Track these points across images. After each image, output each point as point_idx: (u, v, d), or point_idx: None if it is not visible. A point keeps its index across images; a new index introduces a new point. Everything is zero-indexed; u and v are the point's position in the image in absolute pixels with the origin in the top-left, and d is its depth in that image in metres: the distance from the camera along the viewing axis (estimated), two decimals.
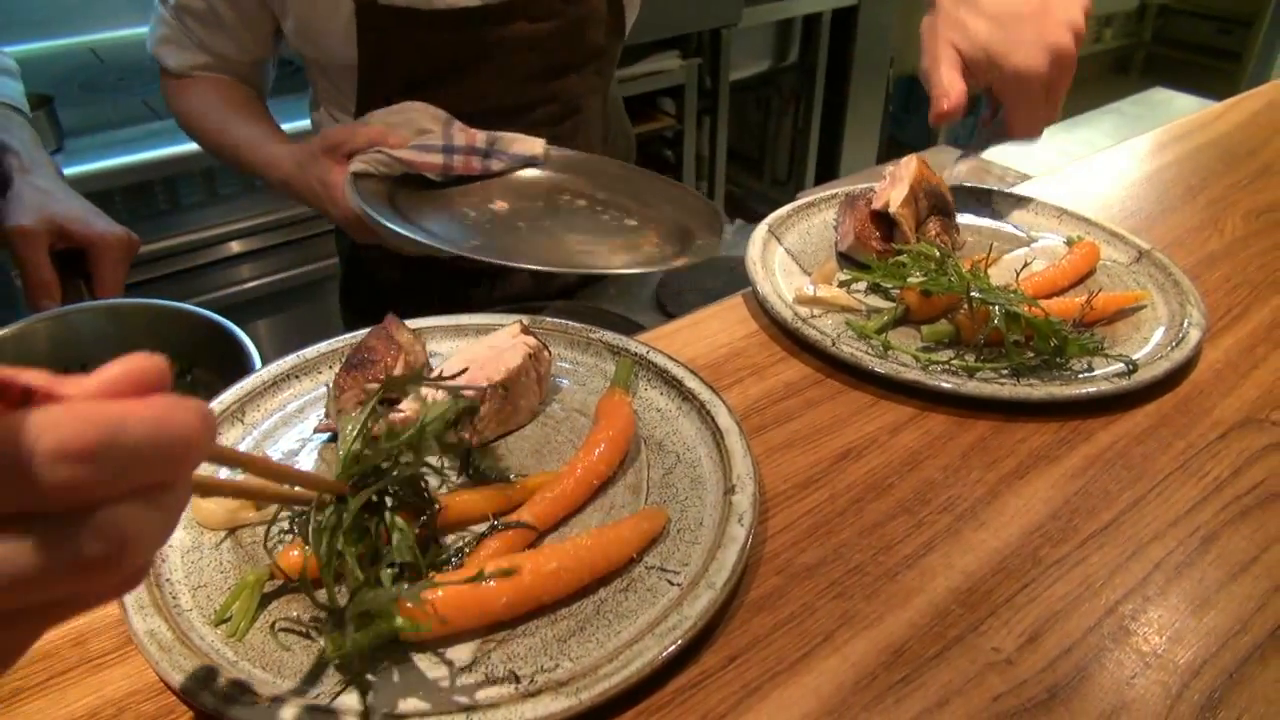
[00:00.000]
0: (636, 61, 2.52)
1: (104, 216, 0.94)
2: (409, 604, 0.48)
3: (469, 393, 0.61)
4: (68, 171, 1.60)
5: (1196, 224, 1.03)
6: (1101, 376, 0.73)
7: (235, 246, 1.85)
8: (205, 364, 0.87)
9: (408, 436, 0.52)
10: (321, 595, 0.53)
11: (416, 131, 0.96)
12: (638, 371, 0.73)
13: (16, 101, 1.11)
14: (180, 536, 0.59)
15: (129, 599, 0.52)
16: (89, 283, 0.92)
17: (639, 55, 2.52)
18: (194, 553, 0.58)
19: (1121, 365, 0.73)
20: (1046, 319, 0.74)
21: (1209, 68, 5.11)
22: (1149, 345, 0.78)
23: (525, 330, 0.72)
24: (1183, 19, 5.31)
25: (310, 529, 0.50)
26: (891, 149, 3.46)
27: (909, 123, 4.13)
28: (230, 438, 0.67)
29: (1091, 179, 1.15)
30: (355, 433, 0.52)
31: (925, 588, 0.57)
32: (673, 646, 0.50)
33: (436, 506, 0.57)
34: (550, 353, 0.72)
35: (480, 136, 0.97)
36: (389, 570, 0.51)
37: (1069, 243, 0.94)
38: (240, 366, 0.79)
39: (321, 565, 0.50)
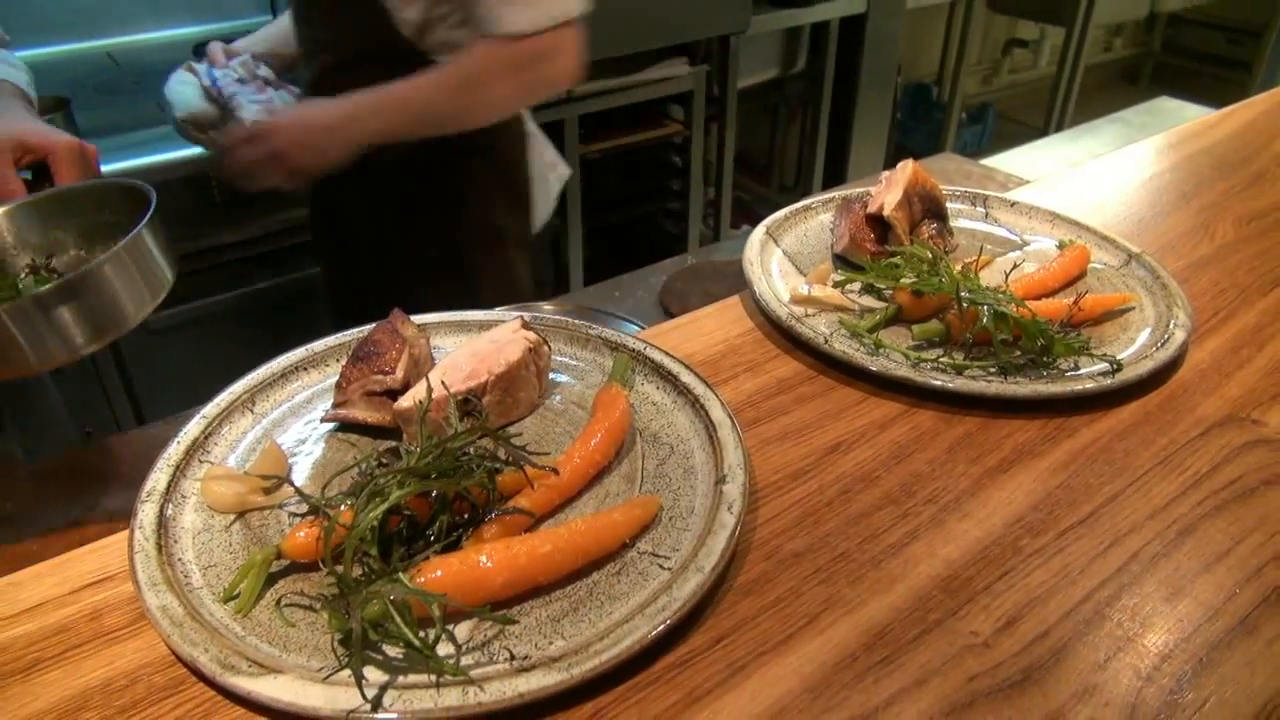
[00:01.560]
0: (645, 68, 2.55)
1: (61, 131, 1.01)
2: (411, 585, 0.51)
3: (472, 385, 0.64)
4: None
5: (1188, 229, 1.04)
6: (1087, 375, 0.75)
7: (250, 247, 1.88)
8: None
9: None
10: (328, 576, 0.55)
11: None
12: (635, 366, 0.75)
13: None
14: (192, 519, 0.61)
15: (142, 577, 0.55)
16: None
17: (648, 62, 2.55)
18: (204, 534, 0.60)
19: (1107, 365, 0.75)
20: (1033, 319, 0.76)
21: (1218, 78, 5.11)
22: (1135, 346, 0.80)
23: (526, 326, 0.74)
24: (1193, 29, 5.31)
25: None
26: (898, 156, 3.46)
27: (916, 130, 4.16)
28: (240, 426, 0.70)
29: (1087, 185, 1.17)
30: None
31: (908, 574, 0.59)
32: (662, 626, 0.52)
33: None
34: (550, 347, 0.75)
35: None
36: (399, 551, 0.53)
37: (1060, 246, 0.96)
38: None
39: (348, 539, 0.52)
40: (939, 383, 0.74)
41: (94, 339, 0.78)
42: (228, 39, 1.37)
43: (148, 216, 0.82)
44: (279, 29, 1.44)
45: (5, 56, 1.13)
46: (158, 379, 1.90)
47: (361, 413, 0.69)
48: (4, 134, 0.94)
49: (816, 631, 0.55)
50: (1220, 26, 5.11)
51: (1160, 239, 1.02)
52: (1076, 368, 0.76)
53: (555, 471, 0.62)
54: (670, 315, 1.46)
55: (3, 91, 1.07)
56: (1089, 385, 0.73)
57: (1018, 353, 0.77)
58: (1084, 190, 1.15)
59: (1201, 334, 0.85)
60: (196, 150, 1.72)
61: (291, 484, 0.58)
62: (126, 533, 0.59)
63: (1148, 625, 0.55)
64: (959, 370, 0.76)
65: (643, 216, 3.01)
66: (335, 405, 0.70)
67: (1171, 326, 0.81)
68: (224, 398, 0.71)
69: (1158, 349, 0.78)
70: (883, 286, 0.86)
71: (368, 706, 0.48)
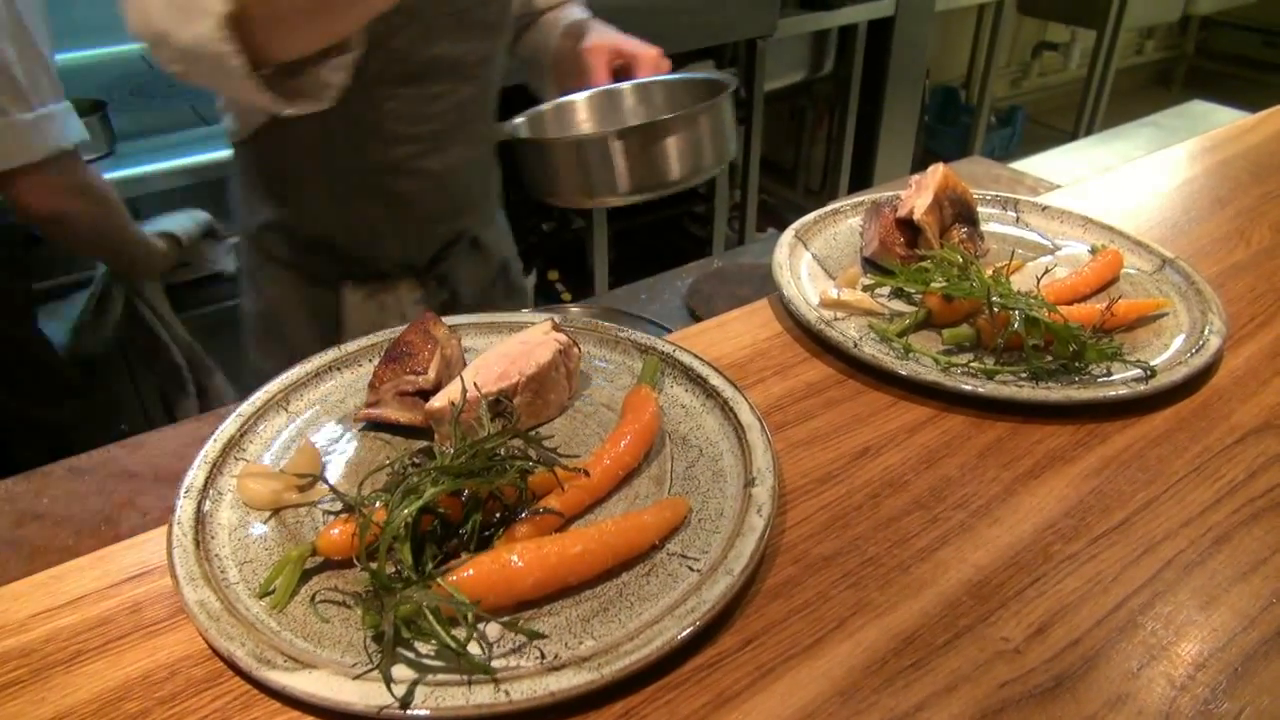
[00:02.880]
0: (672, 71, 2.54)
1: (647, 44, 1.23)
2: (445, 584, 0.51)
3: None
4: (118, 174, 1.67)
5: (1223, 234, 1.03)
6: (1120, 380, 0.74)
7: None
8: None
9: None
10: (362, 573, 0.56)
11: None
12: (664, 369, 0.75)
13: None
14: (228, 516, 0.62)
15: (181, 572, 0.56)
16: None
17: (675, 65, 2.55)
18: (240, 530, 0.61)
19: (1140, 370, 0.74)
20: (1065, 324, 0.75)
21: (1253, 81, 5.04)
22: (1169, 351, 0.79)
23: (556, 328, 0.75)
24: (1226, 31, 5.24)
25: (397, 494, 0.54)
26: (926, 159, 3.45)
27: (944, 134, 4.13)
28: (274, 425, 0.71)
29: (1119, 189, 1.16)
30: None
31: (937, 580, 0.59)
32: (691, 628, 0.52)
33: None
34: (580, 349, 0.75)
35: None
36: (430, 550, 0.54)
37: (1093, 251, 0.95)
38: None
39: (384, 535, 0.53)
40: (969, 387, 0.73)
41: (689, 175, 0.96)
42: None
43: (729, 91, 0.99)
44: None
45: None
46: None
47: (394, 412, 0.70)
48: (605, 40, 1.17)
49: (845, 635, 0.55)
50: (1255, 29, 5.04)
51: (1194, 244, 1.01)
52: (1109, 373, 0.76)
53: (586, 473, 0.62)
54: (696, 318, 1.45)
55: (587, 19, 1.27)
56: (1122, 391, 0.73)
57: (1049, 358, 0.77)
58: (1116, 195, 1.14)
59: (1237, 340, 0.84)
60: (230, 152, 1.75)
61: (326, 482, 0.58)
62: (165, 528, 0.60)
63: (1182, 634, 0.55)
64: (990, 375, 0.75)
65: (668, 220, 3.01)
66: (368, 405, 0.71)
67: (1206, 332, 0.80)
68: (259, 396, 0.72)
69: (1192, 355, 0.77)
70: (913, 291, 0.86)
71: (398, 704, 0.48)
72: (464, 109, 1.18)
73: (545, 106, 1.16)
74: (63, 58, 2.18)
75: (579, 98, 1.16)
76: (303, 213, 1.21)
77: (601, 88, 1.15)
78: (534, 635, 0.53)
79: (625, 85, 1.17)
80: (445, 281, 1.31)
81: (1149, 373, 0.74)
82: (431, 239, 1.27)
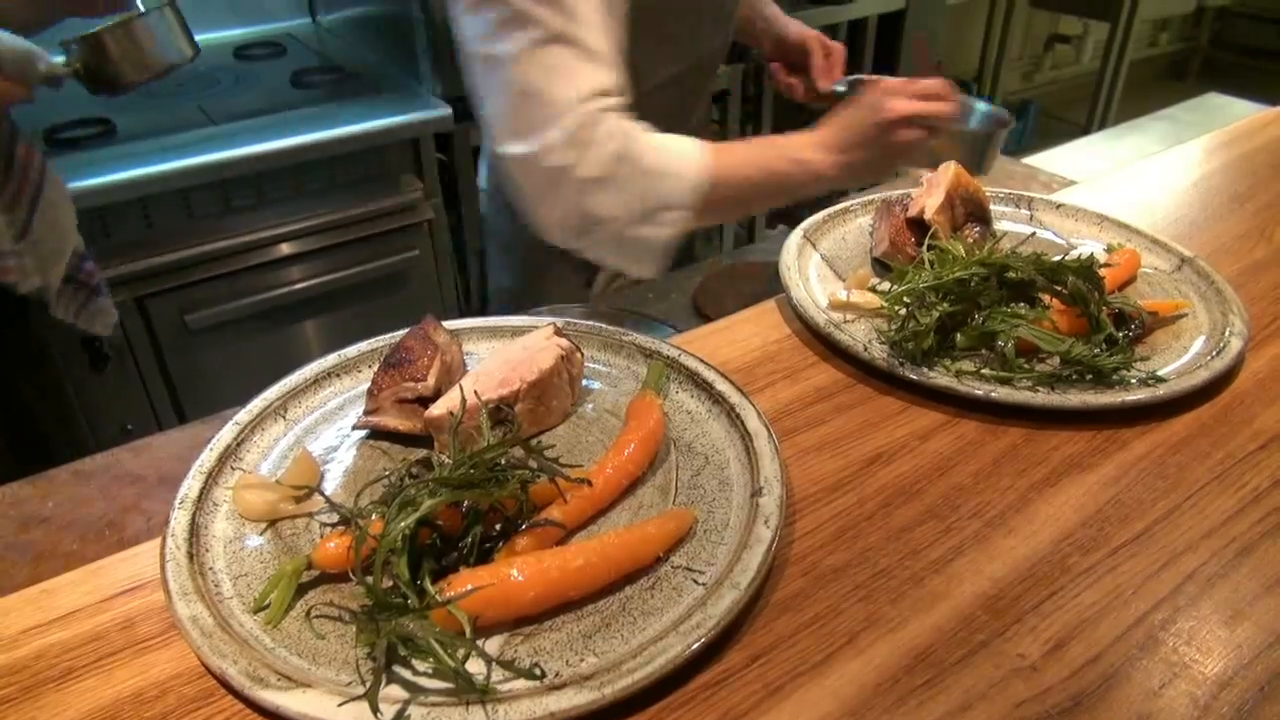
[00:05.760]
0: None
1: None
2: (441, 601, 0.50)
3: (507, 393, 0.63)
4: (123, 175, 1.66)
5: (1243, 231, 1.01)
6: (1138, 385, 0.72)
7: (284, 249, 1.90)
8: None
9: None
10: (358, 587, 0.55)
11: None
12: (669, 374, 0.73)
13: None
14: (223, 528, 0.61)
15: (174, 586, 0.55)
16: None
17: None
18: (235, 543, 0.60)
19: (1157, 373, 0.72)
20: (1055, 335, 0.73)
21: (1269, 72, 4.98)
22: (1189, 354, 0.77)
23: (558, 332, 0.73)
24: (1242, 22, 5.18)
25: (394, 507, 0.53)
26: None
27: None
28: (273, 433, 0.69)
29: (1135, 185, 1.13)
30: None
31: (951, 593, 0.57)
32: (696, 644, 0.51)
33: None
34: (582, 354, 0.73)
35: None
36: (427, 564, 0.53)
37: (1109, 250, 0.93)
38: None
39: (380, 549, 0.51)
40: (982, 392, 0.72)
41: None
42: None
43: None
44: None
45: None
46: (200, 376, 1.92)
47: (393, 420, 0.68)
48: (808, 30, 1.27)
49: (856, 651, 0.53)
50: (1271, 20, 4.98)
51: (1213, 242, 0.99)
52: (1124, 379, 0.74)
53: (589, 483, 0.61)
54: (704, 317, 1.44)
55: None
56: (1140, 396, 0.71)
57: (1066, 369, 0.74)
58: (1132, 191, 1.12)
59: (1259, 341, 0.81)
60: (235, 152, 1.74)
61: (322, 494, 0.57)
62: (158, 540, 0.59)
63: (1205, 650, 0.53)
64: (1003, 380, 0.73)
65: None
66: (367, 412, 0.69)
67: (1227, 334, 0.78)
68: (257, 404, 0.71)
69: (1213, 358, 0.75)
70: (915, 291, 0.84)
71: None
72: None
73: None
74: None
75: None
76: None
77: None
78: (531, 676, 0.50)
79: None
80: None
81: (1153, 383, 0.72)
82: None
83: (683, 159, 0.93)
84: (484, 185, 1.47)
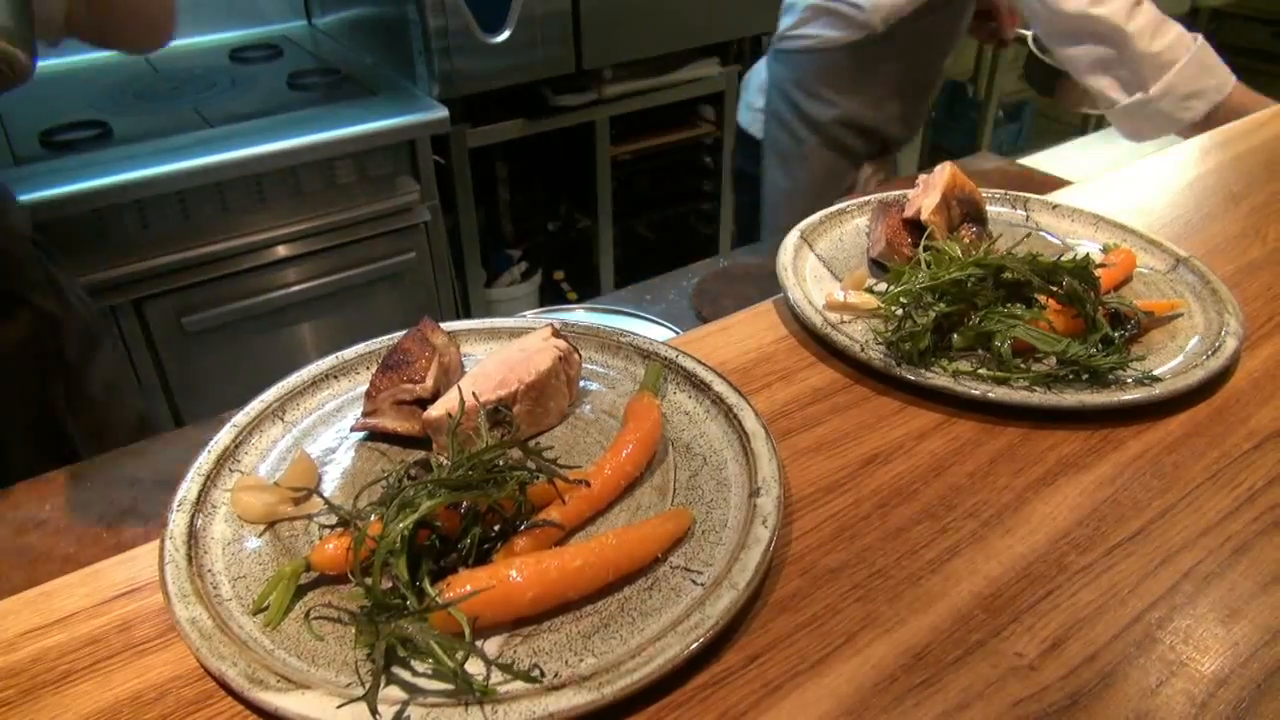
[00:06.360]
0: (676, 69, 2.53)
1: None
2: (440, 603, 0.50)
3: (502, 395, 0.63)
4: (119, 177, 1.66)
5: (1238, 231, 1.01)
6: (1133, 384, 0.73)
7: (281, 251, 1.90)
8: None
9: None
10: (357, 588, 0.55)
11: None
12: (666, 375, 0.74)
13: None
14: (221, 529, 0.61)
15: (173, 588, 0.55)
16: None
17: (678, 63, 2.54)
18: (234, 545, 0.60)
19: (1153, 373, 0.73)
20: (1051, 335, 0.73)
21: (1264, 73, 4.98)
22: (1184, 354, 0.77)
23: (556, 334, 0.73)
24: (1237, 23, 5.19)
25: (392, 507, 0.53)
26: (934, 155, 3.43)
27: (952, 129, 4.10)
28: (271, 435, 0.70)
29: (1130, 186, 1.14)
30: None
31: (948, 592, 0.57)
32: (695, 644, 0.51)
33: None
34: (580, 356, 0.74)
35: None
36: (425, 565, 0.53)
37: (1105, 250, 0.93)
38: None
39: (378, 550, 0.51)
40: (979, 392, 0.72)
41: None
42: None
43: None
44: None
45: None
46: (197, 379, 1.92)
47: (391, 422, 0.68)
48: None
49: (854, 651, 0.53)
50: (1265, 20, 4.99)
51: (1209, 242, 0.99)
52: (1119, 378, 0.74)
53: (587, 484, 0.61)
54: (702, 318, 1.44)
55: None
56: (1136, 395, 0.71)
57: (1063, 369, 0.75)
58: (1127, 192, 1.12)
59: (1254, 341, 0.82)
60: (231, 154, 1.74)
61: (320, 495, 0.57)
62: (157, 543, 0.59)
63: (1202, 648, 0.53)
64: (1000, 380, 0.74)
65: (674, 218, 3.00)
66: (365, 414, 0.70)
67: (1223, 333, 0.78)
68: (255, 406, 0.71)
69: (1208, 357, 0.75)
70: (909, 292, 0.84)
71: None
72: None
73: None
74: (68, 60, 2.18)
75: None
76: (879, 107, 1.81)
77: None
78: (530, 677, 0.50)
79: None
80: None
81: (1149, 382, 0.72)
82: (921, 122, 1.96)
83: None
84: (761, 107, 1.91)
